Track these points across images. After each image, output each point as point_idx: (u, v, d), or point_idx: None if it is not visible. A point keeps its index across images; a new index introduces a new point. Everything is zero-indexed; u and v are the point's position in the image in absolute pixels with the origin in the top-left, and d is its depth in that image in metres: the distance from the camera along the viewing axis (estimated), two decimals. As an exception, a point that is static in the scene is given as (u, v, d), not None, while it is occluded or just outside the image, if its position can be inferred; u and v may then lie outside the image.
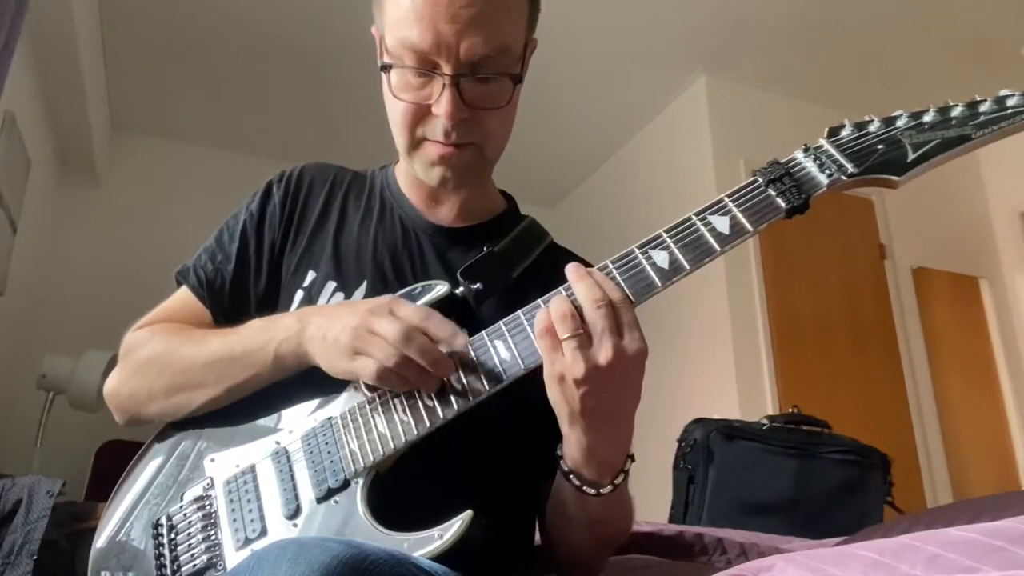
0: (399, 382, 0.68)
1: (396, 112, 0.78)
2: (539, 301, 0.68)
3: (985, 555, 0.41)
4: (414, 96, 0.76)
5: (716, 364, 3.13)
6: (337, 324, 0.70)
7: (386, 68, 0.76)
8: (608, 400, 0.62)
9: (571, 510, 0.72)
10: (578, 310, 0.61)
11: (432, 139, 0.78)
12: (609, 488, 0.67)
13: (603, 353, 0.59)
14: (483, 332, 0.70)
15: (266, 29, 3.27)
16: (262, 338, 0.75)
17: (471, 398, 0.68)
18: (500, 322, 0.70)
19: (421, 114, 0.77)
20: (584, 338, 0.60)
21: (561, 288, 0.66)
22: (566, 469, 0.68)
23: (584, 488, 0.67)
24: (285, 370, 0.75)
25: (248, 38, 3.33)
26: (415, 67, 0.74)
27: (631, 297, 0.64)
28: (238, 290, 0.87)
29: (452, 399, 0.69)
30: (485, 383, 0.68)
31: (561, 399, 0.62)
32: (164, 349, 0.81)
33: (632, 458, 0.70)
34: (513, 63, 0.77)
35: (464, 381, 0.69)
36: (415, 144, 0.80)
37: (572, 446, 0.66)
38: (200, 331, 0.83)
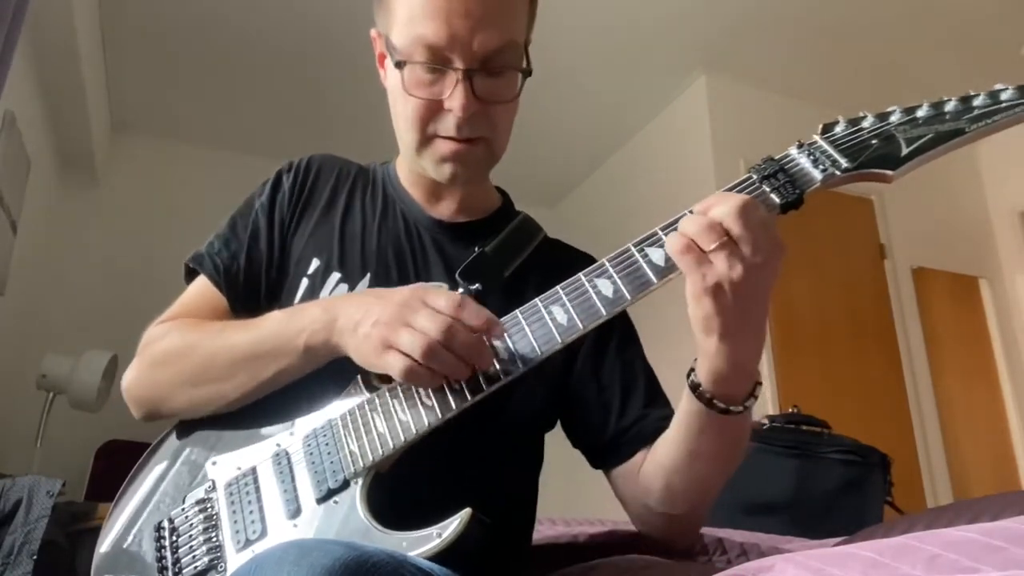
0: (429, 377, 0.67)
1: (407, 109, 0.79)
2: (536, 300, 0.69)
3: (985, 555, 0.41)
4: (426, 92, 0.77)
5: (716, 364, 3.12)
6: (369, 317, 0.69)
7: (400, 65, 0.77)
8: (759, 302, 0.62)
9: (702, 443, 0.70)
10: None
11: (443, 135, 0.79)
12: (752, 401, 0.68)
13: (759, 252, 0.59)
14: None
15: (266, 30, 3.27)
16: (290, 330, 0.74)
17: (469, 397, 0.68)
18: None
19: (433, 110, 0.78)
20: (732, 243, 0.59)
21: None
22: (708, 395, 0.66)
23: (731, 408, 0.66)
24: (315, 362, 0.74)
25: (248, 38, 3.33)
26: (428, 63, 0.76)
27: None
28: (252, 278, 0.87)
29: (451, 399, 0.69)
30: (483, 383, 0.68)
31: (714, 311, 0.61)
32: (186, 343, 0.80)
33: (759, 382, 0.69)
34: (519, 58, 0.80)
35: (462, 380, 0.69)
36: (426, 141, 0.81)
37: (721, 362, 0.64)
38: (220, 324, 0.82)
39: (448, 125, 0.78)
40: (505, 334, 0.69)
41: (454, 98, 0.76)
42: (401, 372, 0.66)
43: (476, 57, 0.75)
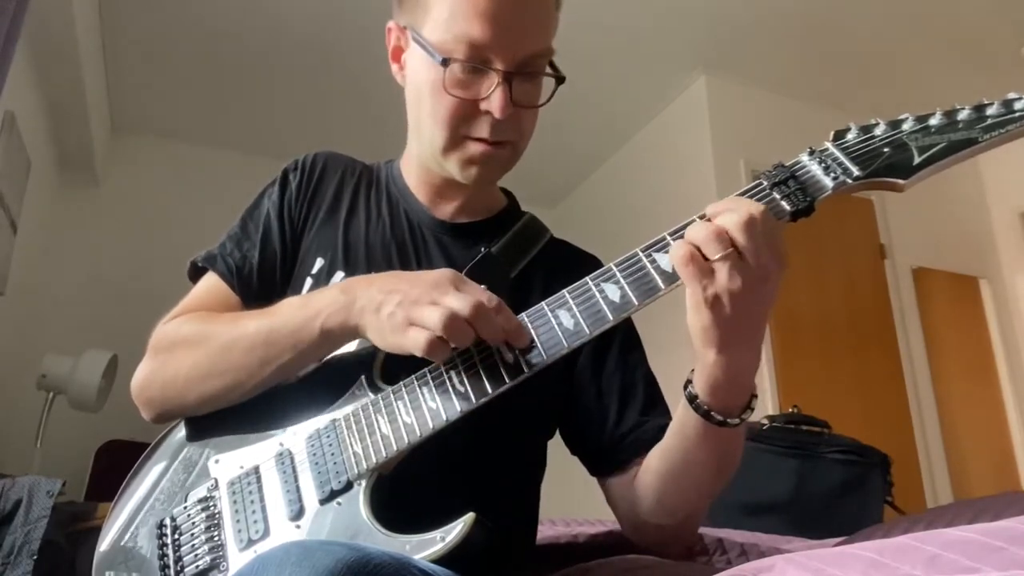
0: (449, 353, 0.67)
1: (441, 108, 0.78)
2: (542, 304, 0.69)
3: (985, 555, 0.41)
4: (464, 92, 0.76)
5: (716, 364, 3.13)
6: (394, 296, 0.68)
7: (445, 63, 0.75)
8: (758, 315, 0.61)
9: (696, 454, 0.70)
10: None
11: (475, 136, 0.78)
12: (748, 413, 0.67)
13: (762, 266, 0.59)
14: None
15: (266, 29, 3.27)
16: (306, 313, 0.73)
17: (474, 400, 0.68)
18: None
19: (468, 111, 0.77)
20: (736, 254, 0.59)
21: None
22: (705, 406, 0.66)
23: (728, 420, 0.66)
24: (332, 345, 0.74)
25: (248, 38, 3.33)
26: (468, 62, 0.75)
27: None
28: (264, 277, 0.87)
29: (455, 401, 0.68)
30: (488, 386, 0.68)
31: (712, 323, 0.60)
32: (201, 335, 0.79)
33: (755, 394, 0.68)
34: (549, 64, 0.80)
35: (466, 383, 0.69)
36: (456, 142, 0.80)
37: (719, 373, 0.64)
38: (234, 314, 0.81)
39: (482, 127, 0.77)
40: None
41: (493, 100, 0.75)
42: (423, 346, 0.65)
43: (516, 60, 0.75)
